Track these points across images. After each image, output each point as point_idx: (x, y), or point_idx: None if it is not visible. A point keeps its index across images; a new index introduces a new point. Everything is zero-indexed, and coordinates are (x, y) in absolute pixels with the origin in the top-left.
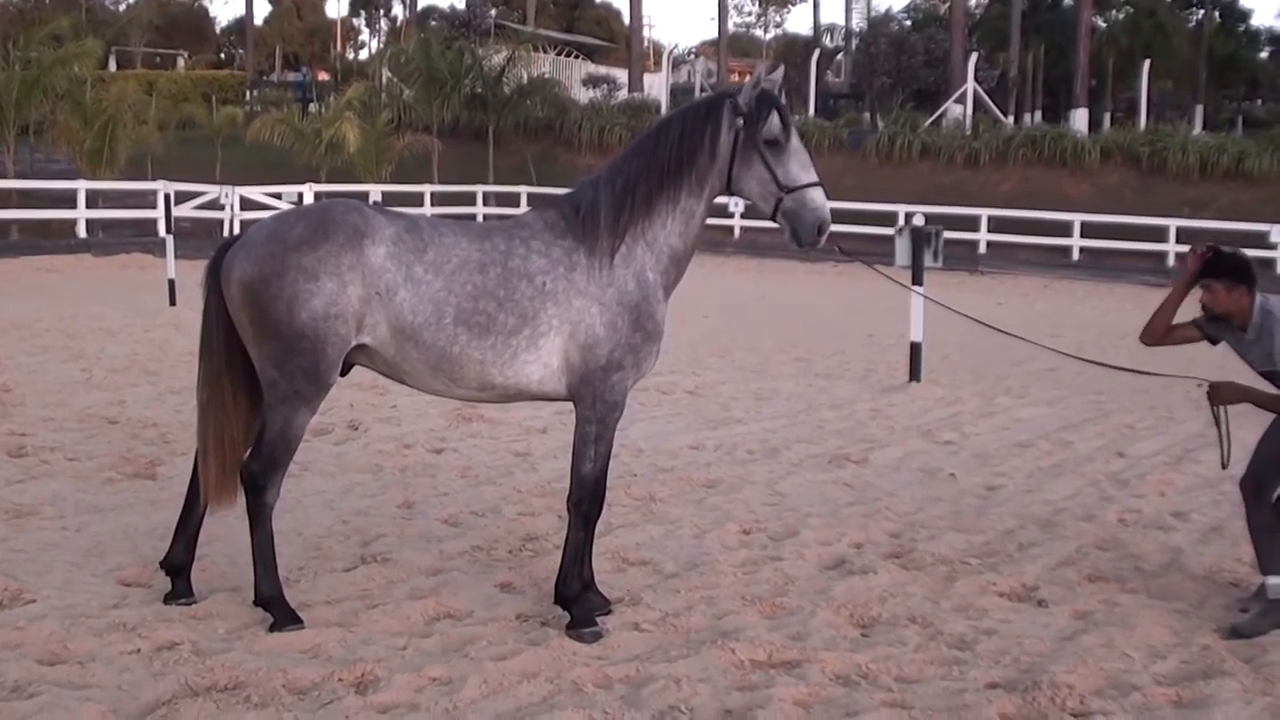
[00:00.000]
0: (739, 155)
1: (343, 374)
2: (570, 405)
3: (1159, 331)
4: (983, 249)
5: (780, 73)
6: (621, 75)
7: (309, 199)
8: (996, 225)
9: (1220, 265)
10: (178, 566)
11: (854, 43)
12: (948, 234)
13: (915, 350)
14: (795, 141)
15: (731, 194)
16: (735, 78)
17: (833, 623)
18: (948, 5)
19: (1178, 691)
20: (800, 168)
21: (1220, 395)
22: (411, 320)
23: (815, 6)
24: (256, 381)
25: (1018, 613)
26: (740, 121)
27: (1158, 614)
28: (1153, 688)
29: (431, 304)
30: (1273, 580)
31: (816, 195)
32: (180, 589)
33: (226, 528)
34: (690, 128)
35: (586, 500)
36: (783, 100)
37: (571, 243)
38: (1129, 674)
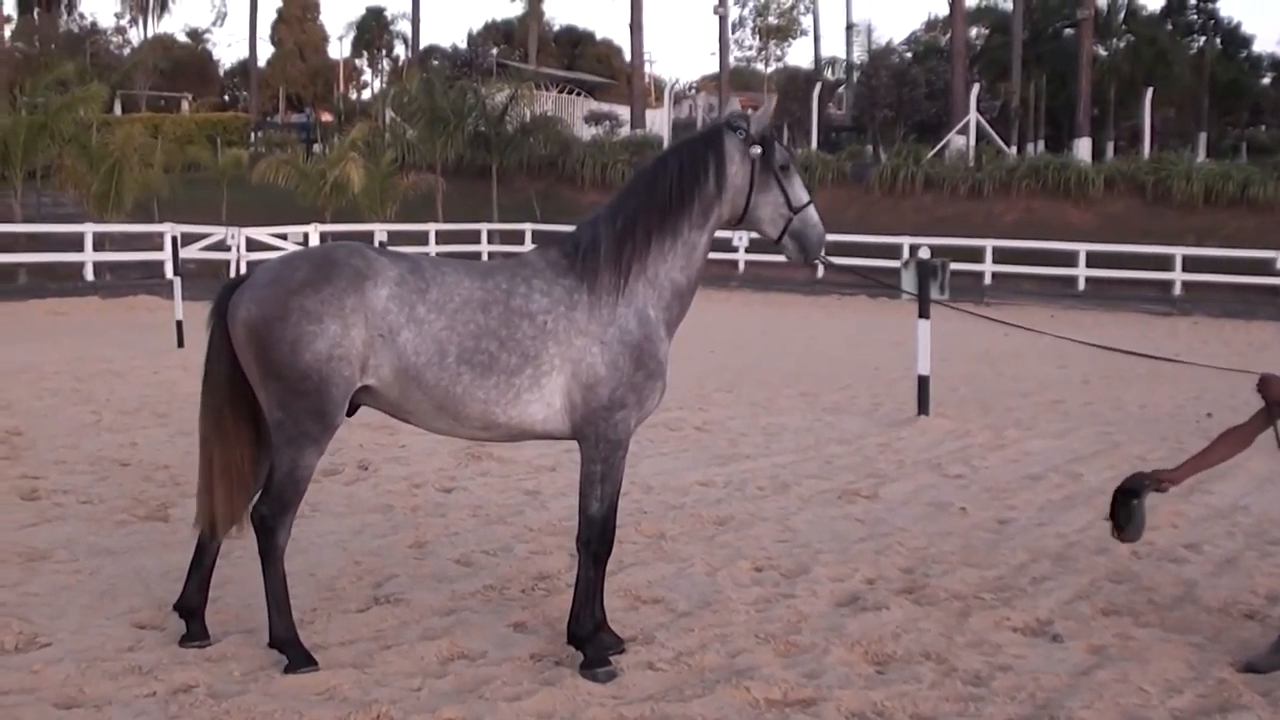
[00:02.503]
0: (757, 182)
1: (350, 414)
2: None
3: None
4: (988, 280)
5: (772, 104)
6: (623, 111)
7: (314, 239)
8: (1001, 256)
9: None
10: (191, 608)
11: (855, 75)
12: (953, 265)
13: (923, 383)
14: (794, 165)
15: (741, 223)
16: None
17: (847, 660)
18: (948, 37)
19: None
20: (801, 188)
21: (1271, 389)
22: (414, 360)
23: (816, 40)
24: (260, 415)
25: (1032, 648)
26: (757, 150)
27: (1173, 648)
28: None
29: (434, 344)
30: None
31: (814, 212)
32: (195, 631)
33: (240, 570)
34: (689, 161)
35: (595, 540)
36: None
37: (573, 281)
38: (1145, 709)
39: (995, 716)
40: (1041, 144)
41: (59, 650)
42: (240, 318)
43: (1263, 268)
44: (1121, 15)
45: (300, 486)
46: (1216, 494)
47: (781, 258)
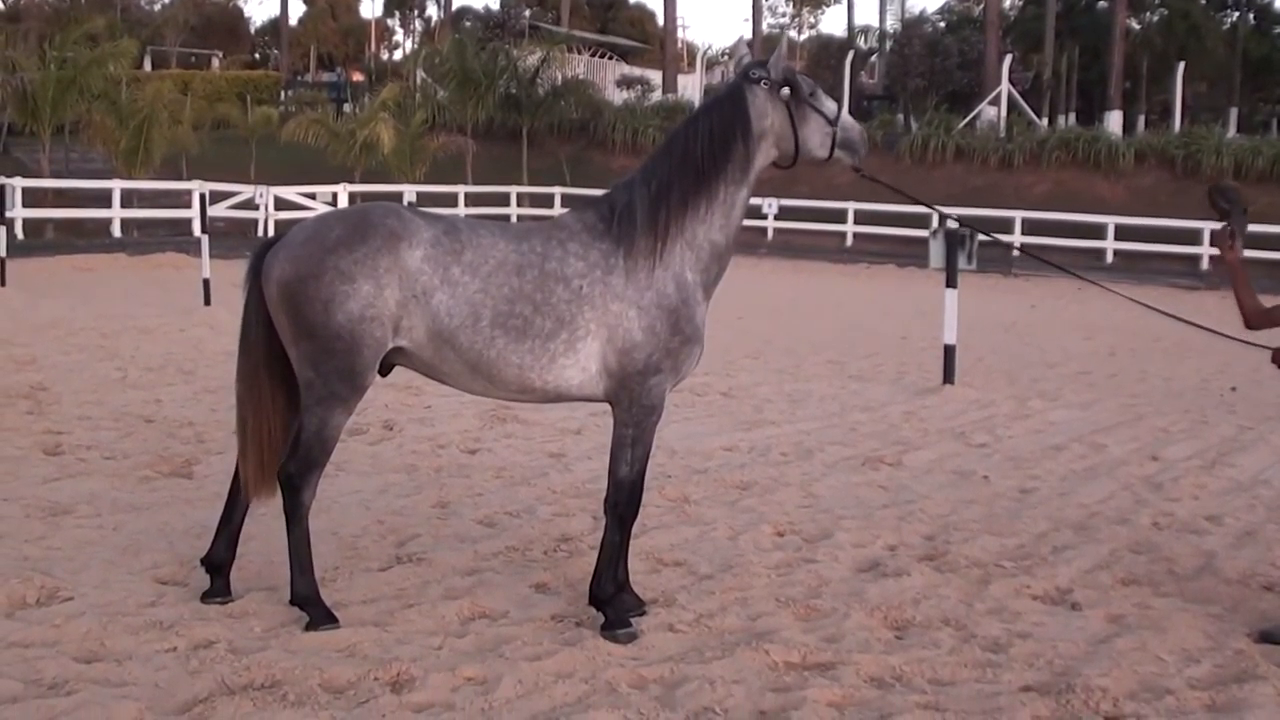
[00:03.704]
0: (797, 117)
1: (383, 374)
2: (606, 406)
3: (1256, 311)
4: (1016, 251)
5: (784, 46)
6: (655, 76)
7: (343, 199)
8: (1030, 228)
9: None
10: (218, 564)
11: (888, 44)
12: (980, 236)
13: (949, 353)
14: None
15: (796, 159)
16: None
17: (866, 625)
18: (982, 7)
19: (1211, 695)
20: (829, 101)
21: None
22: (448, 323)
23: (849, 8)
24: (294, 379)
25: (1051, 616)
26: (787, 91)
27: (1191, 618)
28: (1186, 691)
29: (468, 306)
30: None
31: (846, 115)
32: (218, 587)
33: (263, 527)
34: (720, 122)
35: (623, 503)
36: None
37: (609, 245)
38: (1162, 677)
39: (1013, 683)
40: (1072, 116)
41: (81, 604)
42: (274, 276)
43: None
44: None
45: (328, 446)
46: (1238, 467)
47: (810, 225)
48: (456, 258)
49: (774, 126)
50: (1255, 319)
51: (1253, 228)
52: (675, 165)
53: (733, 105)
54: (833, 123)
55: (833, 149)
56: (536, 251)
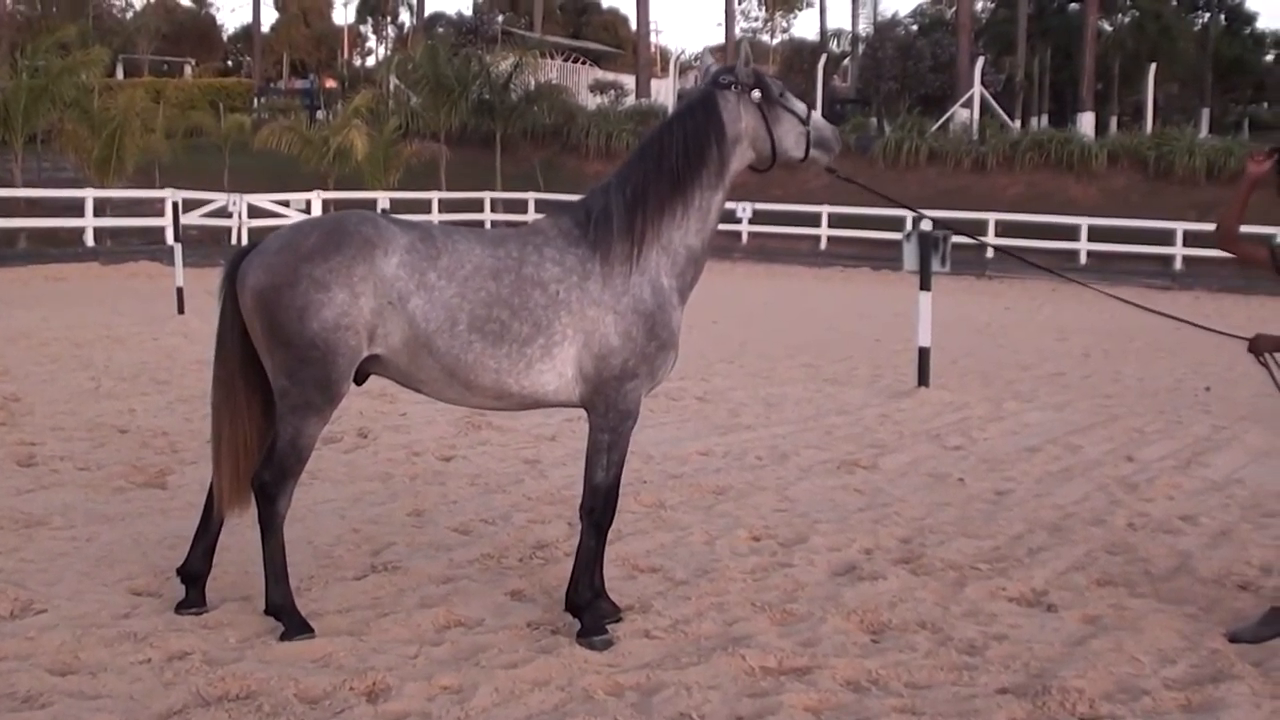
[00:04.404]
0: (771, 118)
1: (359, 383)
2: (581, 412)
3: (1230, 231)
4: (990, 252)
5: (747, 48)
6: (629, 81)
7: (316, 206)
8: (1004, 229)
9: None
10: (194, 574)
11: (860, 48)
12: (954, 238)
13: (924, 355)
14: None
15: (774, 161)
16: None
17: (843, 629)
18: (954, 10)
19: (1187, 695)
20: (799, 102)
21: (1260, 345)
22: (425, 327)
23: (821, 11)
24: (269, 388)
25: (1027, 618)
26: (757, 94)
27: (1167, 618)
28: (1162, 692)
29: (445, 310)
30: None
31: (817, 114)
32: (193, 598)
33: (237, 537)
34: (695, 125)
35: (599, 509)
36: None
37: (586, 250)
38: (1138, 678)
39: (989, 685)
40: (1045, 118)
41: (54, 616)
42: (249, 285)
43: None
44: None
45: (303, 455)
46: (1212, 467)
47: (784, 229)
48: (432, 263)
49: (748, 129)
50: (1228, 236)
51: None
52: (651, 171)
53: (705, 110)
54: (805, 122)
55: (808, 148)
56: (513, 256)
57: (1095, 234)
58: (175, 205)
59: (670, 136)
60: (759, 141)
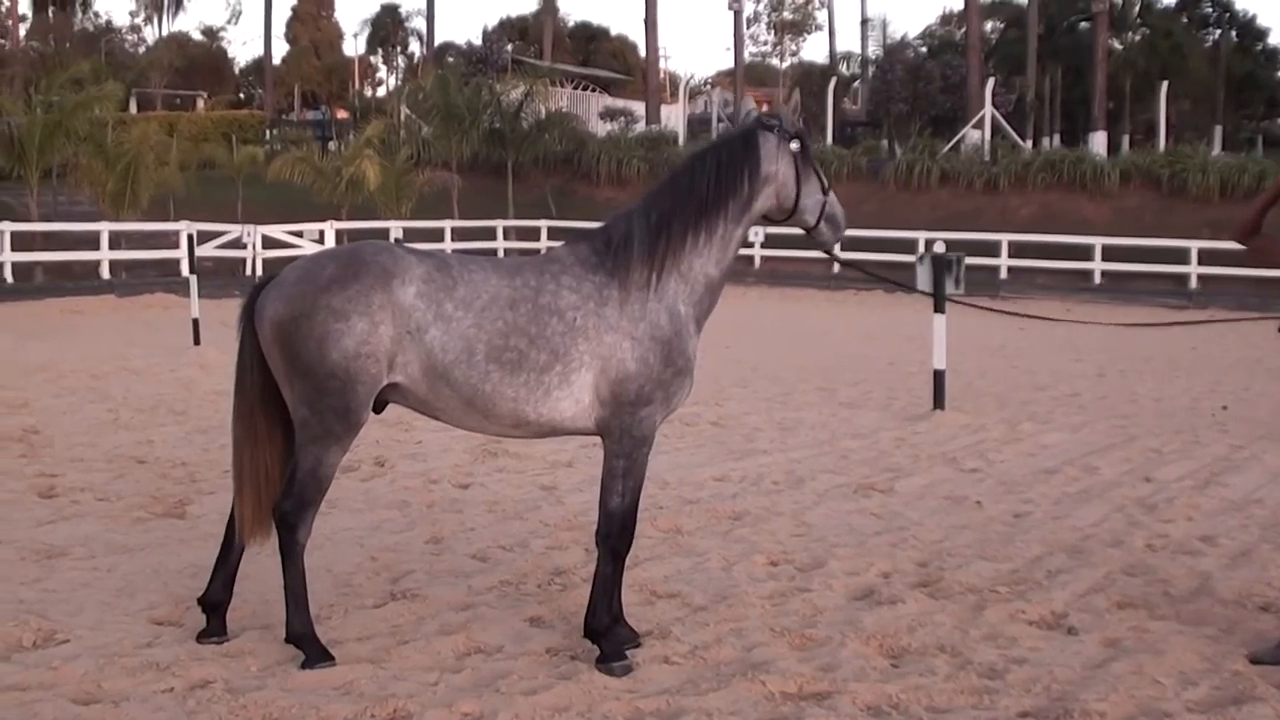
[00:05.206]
0: (803, 174)
1: (377, 411)
2: (597, 438)
3: (1249, 224)
4: (1003, 274)
5: (797, 99)
6: (639, 107)
7: (330, 236)
8: (1017, 250)
9: None
10: (215, 604)
11: (870, 70)
12: (968, 260)
13: (939, 378)
14: None
15: (791, 217)
16: (753, 104)
17: (862, 653)
18: (964, 31)
19: (1209, 718)
20: (820, 173)
21: None
22: (443, 358)
23: (831, 34)
24: (289, 418)
25: (1047, 640)
26: (797, 145)
27: (1188, 640)
28: (1184, 715)
29: (462, 341)
30: None
31: (833, 195)
32: (214, 627)
33: (257, 566)
34: (728, 159)
35: (615, 535)
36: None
37: (603, 278)
38: (1160, 701)
39: (1010, 709)
40: (1057, 138)
41: (77, 647)
42: (268, 316)
43: None
44: (1137, 8)
45: (323, 484)
46: (1231, 487)
47: (798, 252)
48: (449, 293)
49: (779, 175)
50: (1246, 228)
51: (1238, 246)
52: (681, 194)
53: (744, 144)
54: (825, 192)
55: (820, 218)
56: (530, 285)
57: (1109, 253)
58: (190, 237)
59: (704, 163)
60: (785, 190)
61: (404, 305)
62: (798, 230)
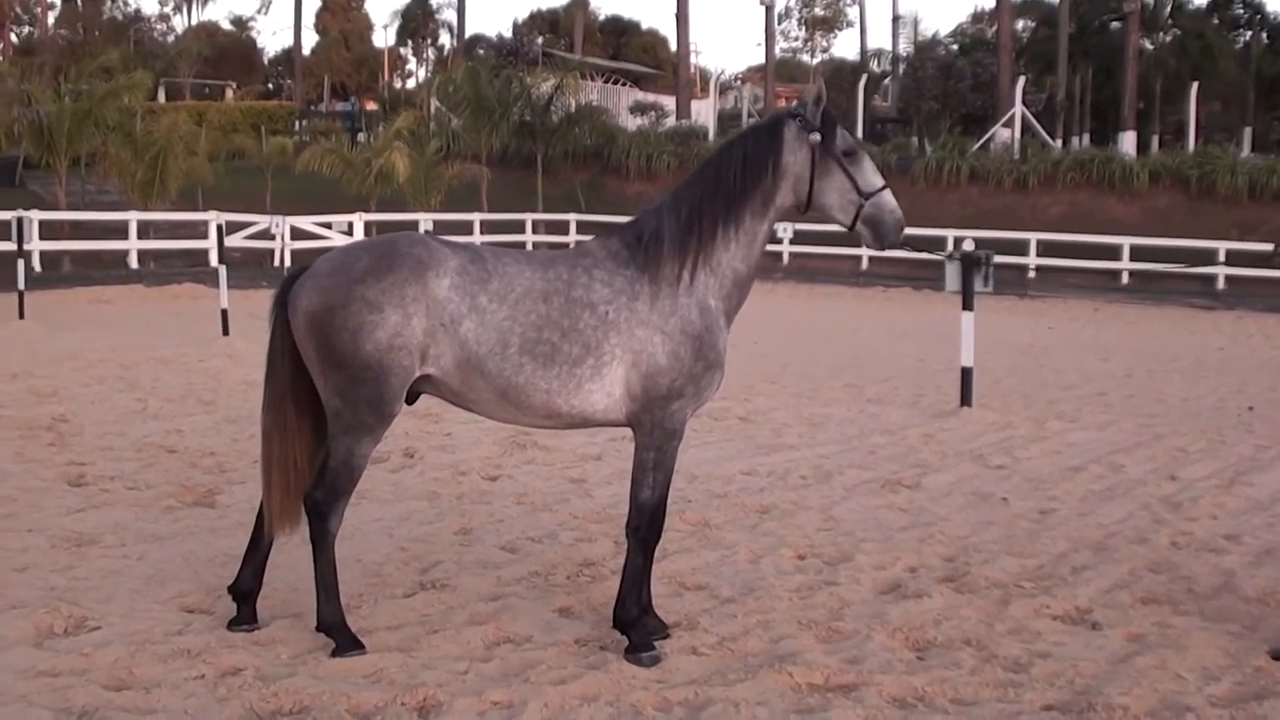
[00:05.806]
0: (818, 168)
1: (410, 403)
2: (626, 431)
3: None
4: (1032, 273)
5: (822, 89)
6: (669, 102)
7: (359, 228)
8: (1045, 249)
9: None
10: (245, 592)
11: (901, 68)
12: (997, 258)
13: (966, 375)
14: (863, 150)
15: (809, 210)
16: (782, 103)
17: (888, 646)
18: (995, 29)
19: (1231, 713)
20: (873, 173)
21: None
22: (476, 350)
23: (862, 31)
24: (320, 408)
25: (1072, 635)
26: (816, 137)
27: (1211, 636)
28: (1207, 709)
29: (496, 333)
30: None
31: (890, 197)
32: (244, 615)
33: (287, 555)
34: (753, 150)
35: (645, 527)
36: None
37: (634, 272)
38: (1183, 695)
39: (1034, 702)
40: (1086, 137)
41: (108, 633)
42: (301, 307)
43: None
44: (1168, 9)
45: (355, 475)
46: (1256, 486)
47: (827, 249)
48: (483, 286)
49: (794, 167)
50: None
51: (1269, 247)
52: (709, 187)
53: (768, 134)
54: (861, 193)
55: (855, 219)
56: (562, 279)
57: (1137, 253)
58: (219, 228)
59: (731, 154)
60: (800, 183)
61: (438, 298)
62: (825, 227)
